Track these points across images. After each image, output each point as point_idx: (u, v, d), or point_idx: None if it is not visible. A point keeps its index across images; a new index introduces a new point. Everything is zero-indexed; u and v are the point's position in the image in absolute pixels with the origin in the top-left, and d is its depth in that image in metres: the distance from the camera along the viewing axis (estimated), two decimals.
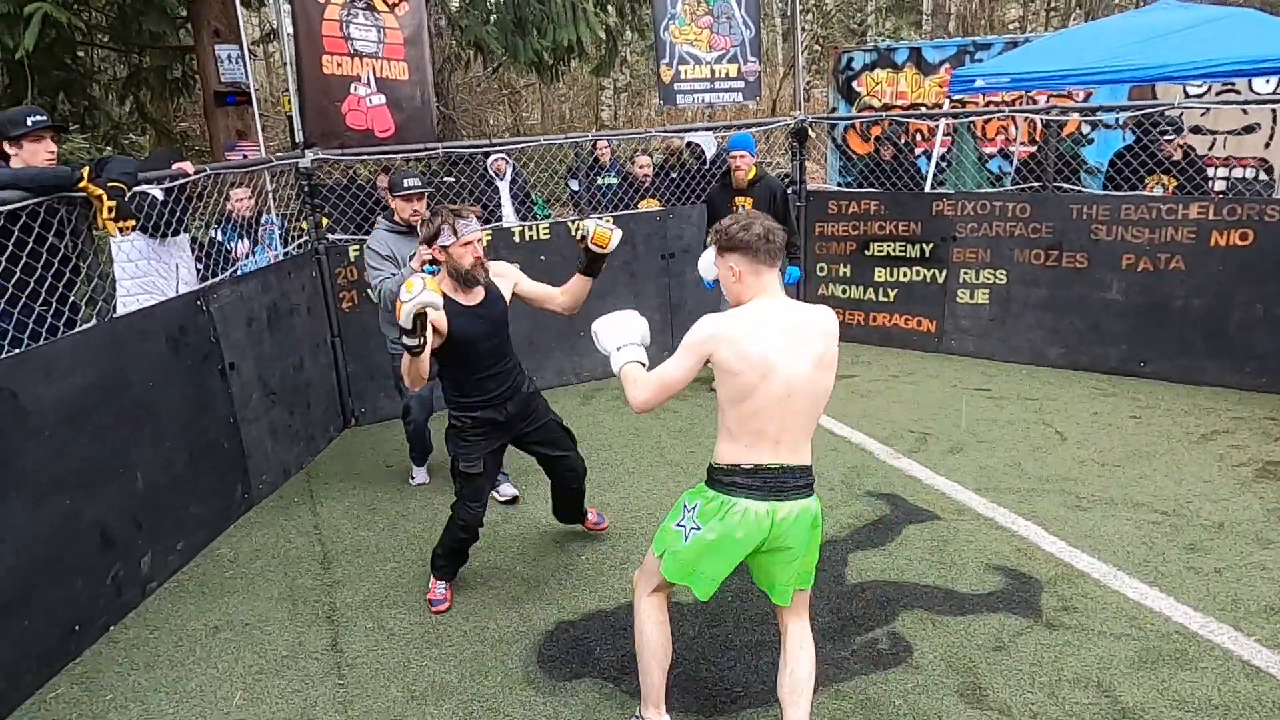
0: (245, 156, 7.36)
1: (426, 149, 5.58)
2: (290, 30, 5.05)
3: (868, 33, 21.23)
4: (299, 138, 5.13)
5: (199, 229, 5.21)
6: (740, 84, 6.44)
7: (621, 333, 2.62)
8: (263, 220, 5.73)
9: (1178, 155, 5.66)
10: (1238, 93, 7.52)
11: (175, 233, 4.17)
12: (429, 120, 5.73)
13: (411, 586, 3.69)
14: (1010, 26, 20.00)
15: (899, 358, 6.37)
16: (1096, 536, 3.79)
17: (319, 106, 5.21)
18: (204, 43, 7.12)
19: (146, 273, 4.22)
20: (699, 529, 2.40)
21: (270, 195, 5.62)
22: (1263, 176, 8.01)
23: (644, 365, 2.56)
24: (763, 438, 2.32)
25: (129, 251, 4.16)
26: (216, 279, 4.38)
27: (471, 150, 6.11)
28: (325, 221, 6.23)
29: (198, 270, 4.66)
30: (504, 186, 6.77)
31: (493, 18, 8.62)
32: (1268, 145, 8.05)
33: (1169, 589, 3.37)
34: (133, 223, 3.41)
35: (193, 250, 4.75)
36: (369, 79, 5.37)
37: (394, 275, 3.93)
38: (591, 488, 4.56)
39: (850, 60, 9.93)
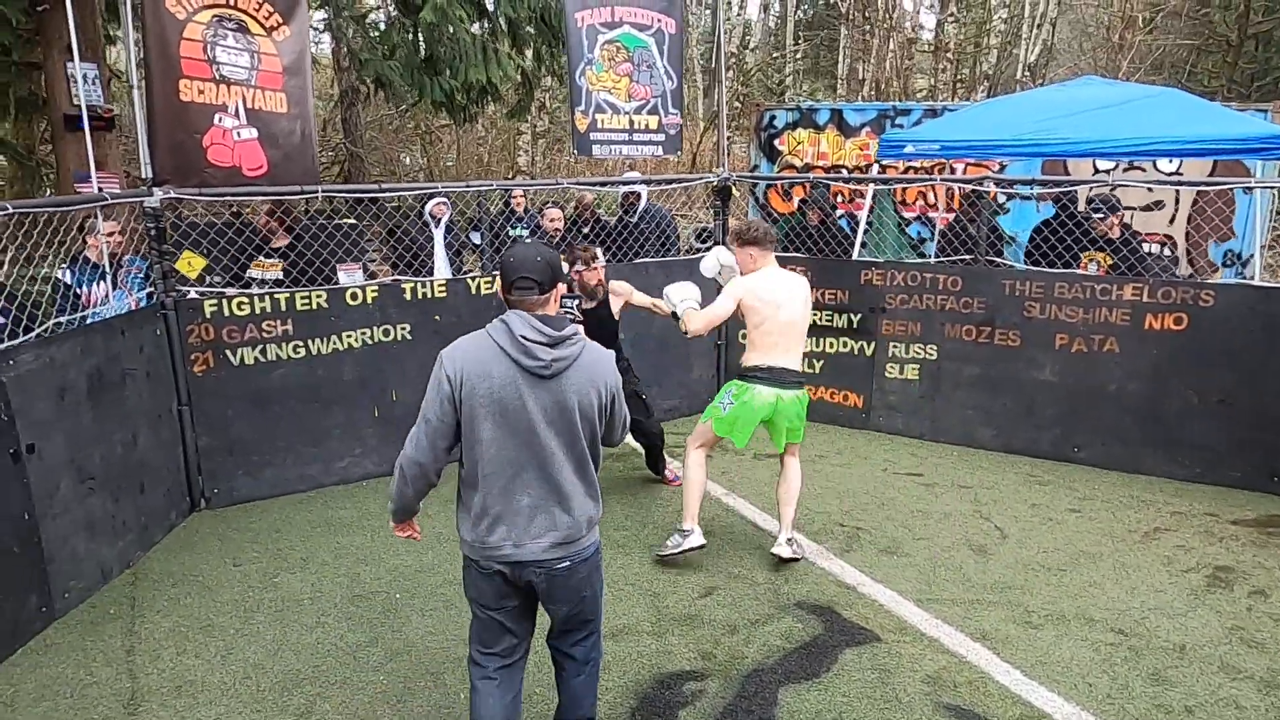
0: (101, 190, 6.48)
1: (304, 191, 4.88)
2: (140, 50, 4.33)
3: (785, 93, 21.59)
4: (145, 172, 4.37)
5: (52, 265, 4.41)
6: (660, 137, 6.00)
7: (681, 292, 4.19)
8: (124, 262, 4.92)
9: (1115, 233, 5.47)
10: (1142, 170, 7.58)
11: None
12: (310, 158, 5.04)
13: None
14: (919, 95, 20.66)
15: (825, 434, 5.94)
16: (1053, 663, 3.34)
17: (173, 138, 4.46)
18: (54, 60, 6.25)
19: None
20: (734, 404, 3.98)
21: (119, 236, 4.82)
22: (1168, 252, 8.10)
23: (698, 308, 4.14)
24: (773, 349, 3.93)
25: None
26: (15, 341, 3.55)
27: (359, 194, 5.44)
28: (201, 264, 5.45)
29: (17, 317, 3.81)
30: (439, 235, 6.07)
31: (399, 52, 8.00)
32: (1171, 222, 8.16)
33: None
34: None
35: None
36: (238, 110, 4.67)
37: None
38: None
39: (773, 118, 9.73)
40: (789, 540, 4.10)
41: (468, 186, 5.37)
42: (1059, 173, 7.54)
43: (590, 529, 2.43)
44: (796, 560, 4.10)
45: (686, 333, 4.14)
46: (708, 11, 20.17)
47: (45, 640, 3.54)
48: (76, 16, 5.06)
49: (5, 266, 3.86)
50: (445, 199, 5.77)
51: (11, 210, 3.50)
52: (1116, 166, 7.73)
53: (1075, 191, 5.98)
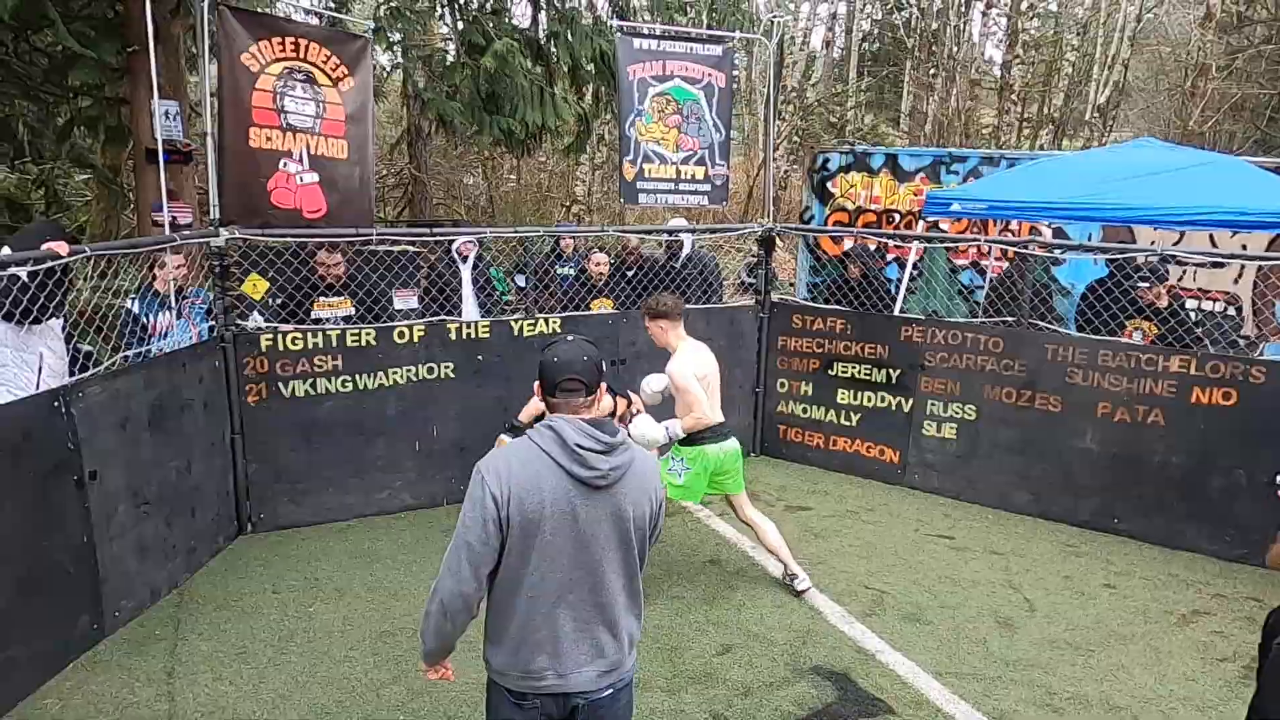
0: (174, 219, 6.85)
1: (359, 233, 5.11)
2: (215, 97, 4.62)
3: (846, 128, 21.51)
4: (213, 214, 4.65)
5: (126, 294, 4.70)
6: (707, 187, 6.10)
7: (658, 432, 4.13)
8: (188, 293, 5.19)
9: (1163, 302, 5.36)
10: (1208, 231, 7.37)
11: (38, 320, 3.62)
12: (367, 201, 5.28)
13: None
14: (984, 132, 20.38)
15: (858, 489, 5.92)
16: None
17: (241, 182, 4.74)
18: (140, 96, 6.67)
19: (2, 363, 3.66)
20: (689, 470, 4.26)
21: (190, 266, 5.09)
22: (1231, 311, 7.85)
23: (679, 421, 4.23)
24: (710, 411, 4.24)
25: None
26: (86, 375, 3.81)
27: (413, 238, 5.66)
28: (265, 286, 5.71)
29: (75, 354, 4.08)
30: (465, 271, 6.26)
31: (461, 91, 8.30)
32: (1236, 280, 7.91)
33: None
34: None
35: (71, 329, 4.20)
36: (302, 155, 4.93)
37: None
38: None
39: (826, 161, 9.77)
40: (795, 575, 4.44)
41: (515, 232, 5.55)
42: (1122, 235, 7.40)
43: (632, 649, 2.24)
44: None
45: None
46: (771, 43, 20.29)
47: (94, 656, 3.76)
48: (160, 57, 5.41)
49: (80, 300, 4.16)
50: (473, 238, 5.96)
51: (90, 253, 3.77)
52: (1181, 237, 7.55)
53: (1138, 262, 5.84)
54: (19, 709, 3.37)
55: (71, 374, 3.88)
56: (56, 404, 3.55)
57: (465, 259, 6.19)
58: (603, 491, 2.09)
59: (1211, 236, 6.84)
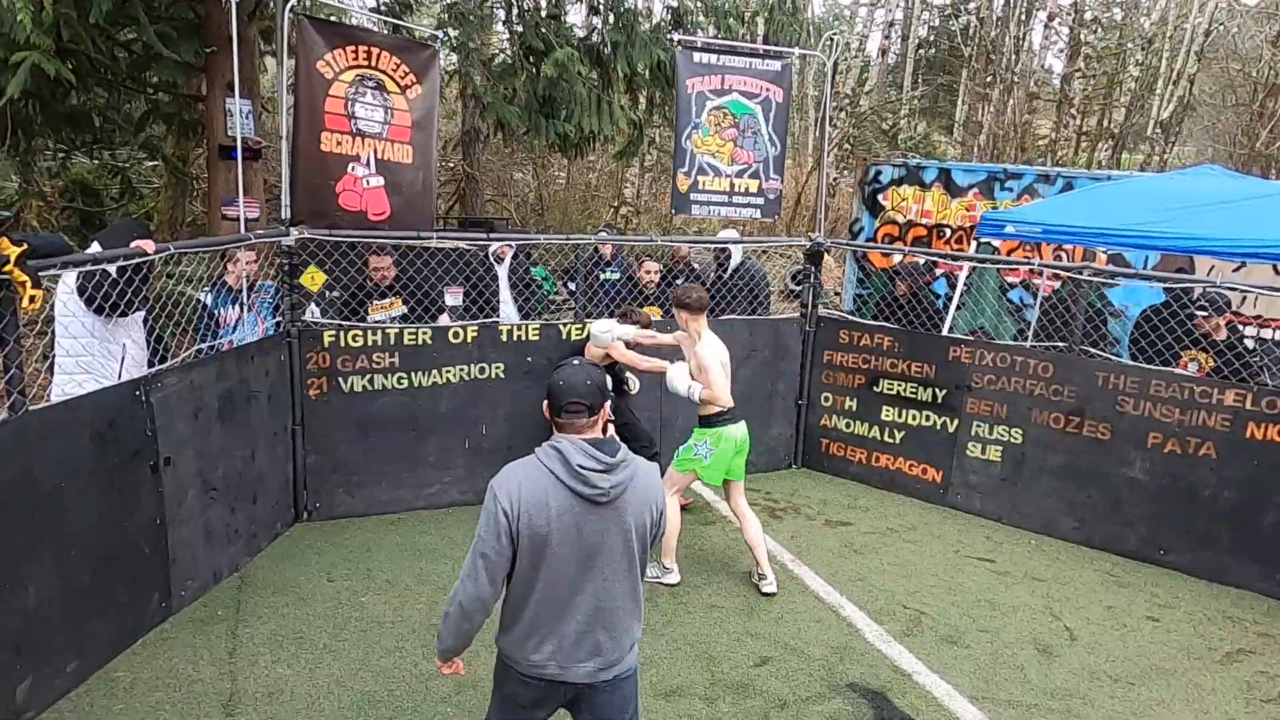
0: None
1: (420, 236, 5.27)
2: (290, 103, 4.80)
3: (898, 135, 21.30)
4: (285, 214, 4.84)
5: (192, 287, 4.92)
6: (760, 200, 6.16)
7: (681, 385, 4.50)
8: (257, 287, 5.40)
9: (1220, 334, 5.28)
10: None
11: (124, 313, 3.83)
12: (429, 206, 5.45)
13: None
14: (1039, 144, 20.03)
15: (900, 507, 5.94)
16: None
17: (312, 184, 4.93)
18: (216, 95, 6.94)
19: (90, 353, 3.87)
20: (714, 450, 4.51)
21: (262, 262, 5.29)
22: None
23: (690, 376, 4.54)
24: (727, 395, 4.52)
25: (74, 330, 3.83)
26: (164, 366, 4.02)
27: (470, 240, 5.81)
28: (322, 279, 5.91)
29: (157, 344, 4.30)
30: (502, 273, 6.41)
31: (519, 95, 8.46)
32: None
33: None
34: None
35: (153, 321, 4.42)
36: (369, 160, 5.11)
37: None
38: None
39: (879, 174, 9.73)
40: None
41: (567, 239, 5.67)
42: (1180, 262, 7.27)
43: (632, 650, 2.42)
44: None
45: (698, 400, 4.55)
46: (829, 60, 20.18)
47: (162, 633, 3.96)
48: (239, 60, 5.63)
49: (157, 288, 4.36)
50: (510, 242, 6.12)
51: (173, 250, 3.97)
52: (1242, 265, 7.40)
53: (1196, 293, 5.76)
54: (92, 680, 3.57)
55: (151, 364, 4.10)
56: (138, 393, 3.76)
57: (501, 260, 6.32)
58: (605, 507, 2.28)
59: (1275, 266, 6.71)
